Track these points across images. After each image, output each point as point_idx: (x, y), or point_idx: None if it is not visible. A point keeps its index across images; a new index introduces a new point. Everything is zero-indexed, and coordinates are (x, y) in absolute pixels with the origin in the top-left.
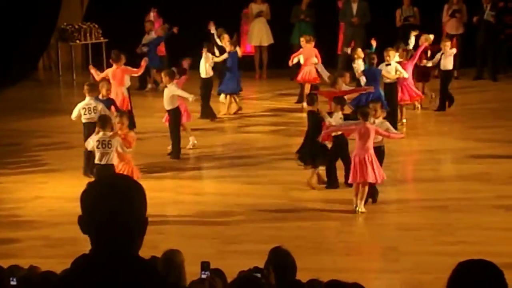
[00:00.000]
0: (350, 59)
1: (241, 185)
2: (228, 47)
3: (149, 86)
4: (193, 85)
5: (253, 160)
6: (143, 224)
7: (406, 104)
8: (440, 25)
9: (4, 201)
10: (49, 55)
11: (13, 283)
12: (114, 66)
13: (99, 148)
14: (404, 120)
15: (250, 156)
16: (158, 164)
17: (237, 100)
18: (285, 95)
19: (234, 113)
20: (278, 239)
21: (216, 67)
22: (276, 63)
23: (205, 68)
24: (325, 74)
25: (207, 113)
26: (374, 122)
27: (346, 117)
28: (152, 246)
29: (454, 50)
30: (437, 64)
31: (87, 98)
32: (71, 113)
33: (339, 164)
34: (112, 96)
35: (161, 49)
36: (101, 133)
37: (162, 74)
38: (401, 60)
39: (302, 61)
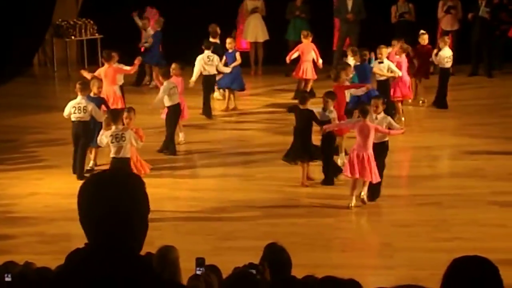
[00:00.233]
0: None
1: (237, 181)
2: (230, 48)
3: (153, 83)
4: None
5: (249, 157)
6: (144, 218)
7: (398, 100)
8: (435, 22)
9: (0, 197)
10: (44, 51)
11: (8, 279)
12: (106, 65)
13: (113, 142)
14: (403, 118)
15: (246, 152)
16: (153, 160)
17: (233, 98)
18: (280, 91)
19: (232, 109)
20: (273, 236)
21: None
22: (272, 59)
23: (210, 64)
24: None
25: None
26: (376, 118)
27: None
28: (147, 242)
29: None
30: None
31: (79, 97)
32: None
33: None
34: (104, 95)
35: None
36: (113, 127)
37: (158, 72)
38: (398, 56)
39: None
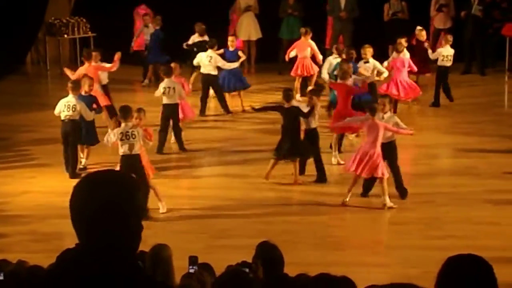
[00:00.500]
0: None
1: (230, 180)
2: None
3: (146, 81)
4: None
5: (242, 155)
6: (137, 219)
7: (399, 99)
8: (428, 20)
9: None
10: (37, 49)
11: (0, 277)
12: (86, 64)
13: (123, 140)
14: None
15: (239, 151)
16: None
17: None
18: (273, 89)
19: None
20: (266, 234)
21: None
22: (265, 57)
23: (209, 64)
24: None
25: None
26: (383, 118)
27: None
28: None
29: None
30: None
31: (70, 96)
32: None
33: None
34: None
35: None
36: (123, 125)
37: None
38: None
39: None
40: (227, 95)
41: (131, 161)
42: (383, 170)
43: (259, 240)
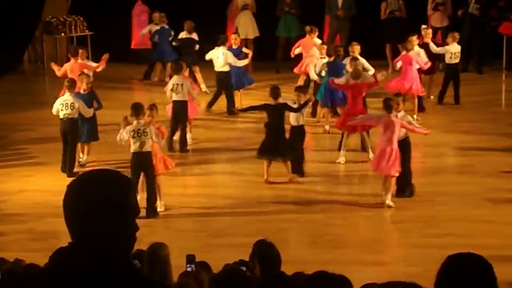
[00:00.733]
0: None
1: (227, 178)
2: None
3: (156, 78)
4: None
5: (239, 154)
6: (130, 218)
7: (405, 93)
8: (425, 18)
9: None
10: (34, 48)
11: None
12: (72, 60)
13: (135, 137)
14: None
15: (236, 149)
16: None
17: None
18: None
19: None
20: (263, 232)
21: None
22: (262, 56)
23: (222, 61)
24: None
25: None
26: (396, 116)
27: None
28: (138, 239)
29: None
30: (443, 58)
31: (66, 94)
32: None
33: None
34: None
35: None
36: (135, 122)
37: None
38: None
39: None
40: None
41: (142, 159)
42: (398, 168)
43: (256, 239)
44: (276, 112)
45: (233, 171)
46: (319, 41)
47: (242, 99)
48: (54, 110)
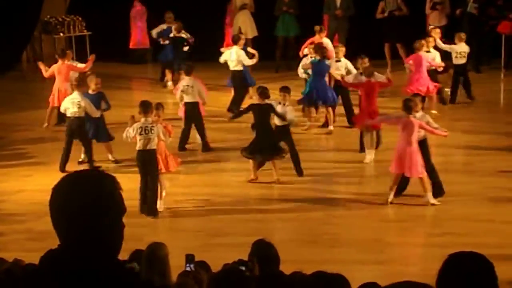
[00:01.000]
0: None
1: (225, 177)
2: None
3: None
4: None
5: (238, 152)
6: (117, 218)
7: (422, 94)
8: (424, 17)
9: None
10: (33, 47)
11: None
12: (60, 62)
13: (142, 134)
14: (434, 111)
15: (235, 148)
16: None
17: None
18: (270, 88)
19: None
20: (262, 231)
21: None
22: (261, 55)
23: (236, 61)
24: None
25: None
26: (414, 116)
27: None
28: (137, 239)
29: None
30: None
31: (74, 93)
32: None
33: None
34: (56, 91)
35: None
36: (143, 119)
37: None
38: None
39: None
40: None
41: (146, 156)
42: (422, 168)
43: (255, 238)
44: (262, 112)
45: (232, 171)
46: (327, 41)
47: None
48: (62, 108)
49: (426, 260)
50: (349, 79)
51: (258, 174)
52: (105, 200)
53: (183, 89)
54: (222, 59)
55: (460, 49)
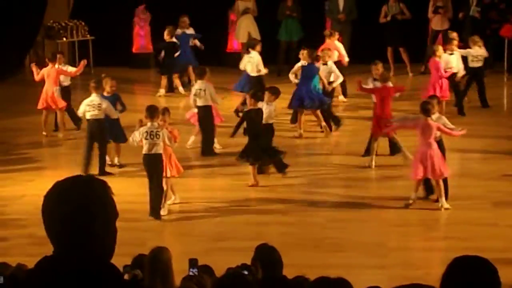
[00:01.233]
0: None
1: (227, 182)
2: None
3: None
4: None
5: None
6: (109, 223)
7: (445, 100)
8: (426, 21)
9: None
10: (36, 52)
11: (0, 281)
12: (50, 65)
13: (147, 139)
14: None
15: (237, 152)
16: None
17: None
18: None
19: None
20: (264, 236)
21: None
22: (263, 59)
23: (254, 66)
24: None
25: None
26: (432, 119)
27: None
28: (139, 243)
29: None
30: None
31: (93, 95)
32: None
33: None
34: (45, 94)
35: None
36: (149, 124)
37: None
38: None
39: None
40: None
41: (151, 160)
42: (442, 170)
43: (258, 242)
44: (259, 117)
45: (234, 174)
46: (339, 45)
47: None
48: (80, 111)
49: (429, 264)
50: (368, 84)
51: (258, 178)
52: (96, 205)
53: (195, 93)
54: (242, 66)
55: (476, 53)
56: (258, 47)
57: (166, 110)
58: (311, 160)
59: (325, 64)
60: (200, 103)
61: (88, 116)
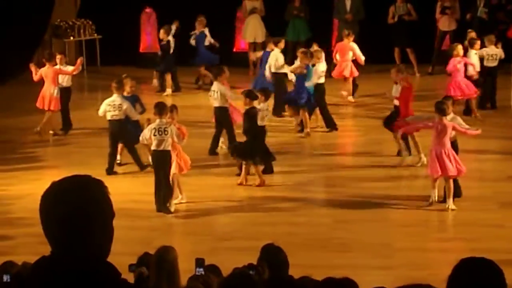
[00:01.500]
0: None
1: (234, 181)
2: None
3: (200, 82)
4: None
5: None
6: (106, 223)
7: (458, 99)
8: (434, 22)
9: None
10: (43, 51)
11: (6, 278)
12: (47, 65)
13: (155, 135)
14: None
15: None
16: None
17: None
18: None
19: None
20: (270, 235)
21: None
22: None
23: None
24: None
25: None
26: (447, 118)
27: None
28: (146, 242)
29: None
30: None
31: (114, 95)
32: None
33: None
34: (42, 95)
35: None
36: (158, 120)
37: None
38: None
39: (338, 57)
40: None
41: (159, 157)
42: (455, 170)
43: (264, 242)
44: (251, 117)
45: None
46: (355, 45)
47: None
48: (100, 112)
49: (435, 265)
50: (395, 93)
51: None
52: (93, 206)
53: (210, 94)
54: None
55: (492, 52)
56: (281, 45)
57: (174, 108)
58: (318, 160)
59: (313, 65)
60: (215, 104)
61: (108, 116)
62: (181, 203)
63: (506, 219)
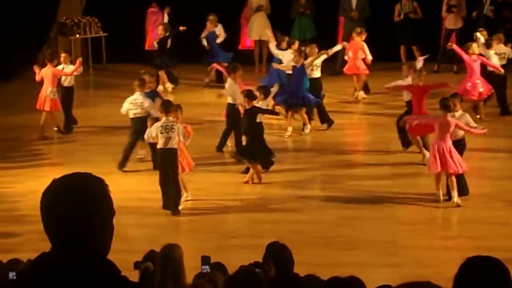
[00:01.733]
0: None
1: (239, 179)
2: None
3: (207, 80)
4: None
5: None
6: (106, 221)
7: (473, 100)
8: (440, 20)
9: (3, 195)
10: (49, 49)
11: (13, 274)
12: (48, 65)
13: (162, 133)
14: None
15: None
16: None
17: None
18: None
19: None
20: (276, 233)
21: None
22: None
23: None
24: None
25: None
26: (453, 116)
27: None
28: (151, 240)
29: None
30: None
31: (136, 93)
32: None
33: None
34: (40, 95)
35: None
36: (164, 118)
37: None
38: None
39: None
40: None
41: (167, 155)
42: (458, 165)
43: (269, 240)
44: (251, 116)
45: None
46: (364, 44)
47: None
48: (123, 110)
49: (440, 263)
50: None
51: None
52: (93, 204)
53: (224, 90)
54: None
55: (500, 50)
56: (295, 46)
57: (178, 107)
58: (322, 157)
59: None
60: (228, 100)
61: (131, 114)
62: (187, 200)
63: (511, 217)
